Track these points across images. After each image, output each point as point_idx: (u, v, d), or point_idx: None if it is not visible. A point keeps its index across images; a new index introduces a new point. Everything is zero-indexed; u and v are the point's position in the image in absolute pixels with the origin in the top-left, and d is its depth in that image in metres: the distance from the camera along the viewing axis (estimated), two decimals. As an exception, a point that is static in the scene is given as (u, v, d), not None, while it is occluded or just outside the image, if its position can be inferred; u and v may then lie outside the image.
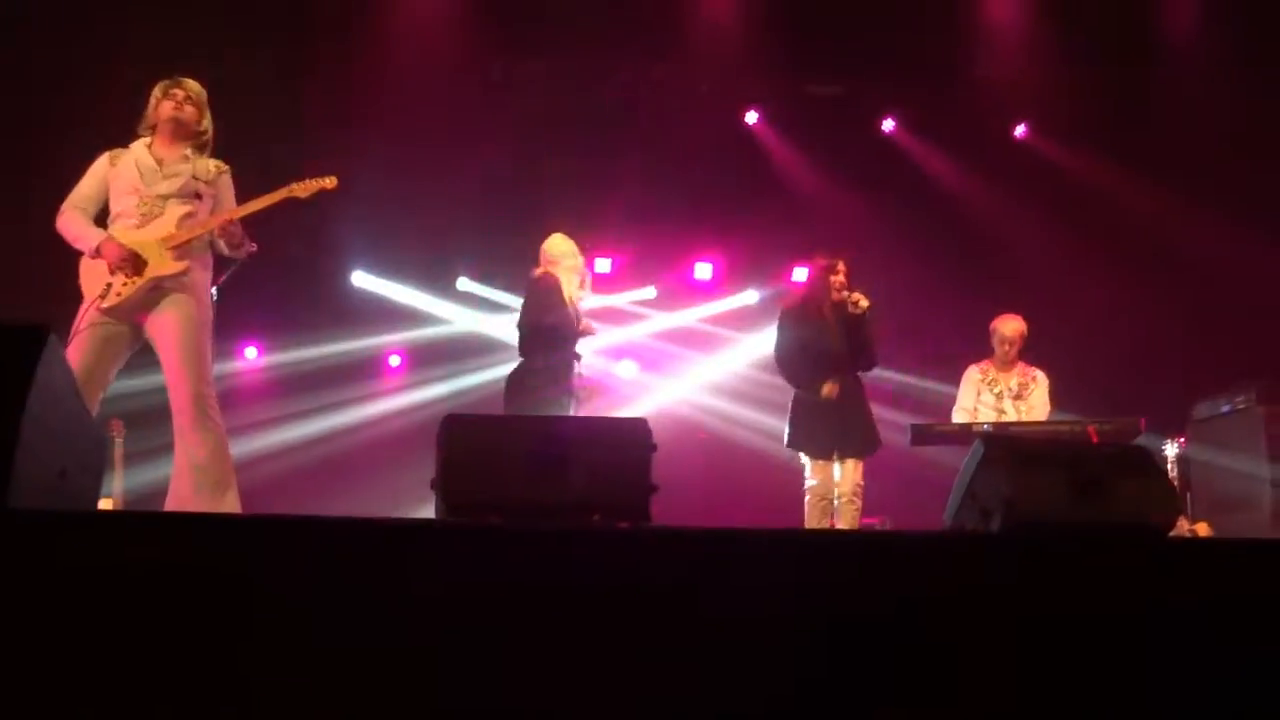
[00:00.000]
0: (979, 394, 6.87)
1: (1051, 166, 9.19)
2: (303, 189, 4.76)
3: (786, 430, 6.33)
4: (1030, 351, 6.94)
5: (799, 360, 6.33)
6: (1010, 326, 6.87)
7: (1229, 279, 8.15)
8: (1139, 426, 6.41)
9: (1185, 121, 8.42)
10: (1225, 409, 7.74)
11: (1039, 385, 6.83)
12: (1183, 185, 8.42)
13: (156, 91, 4.78)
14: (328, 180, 4.82)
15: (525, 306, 6.24)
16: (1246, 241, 7.99)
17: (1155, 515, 3.41)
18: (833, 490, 6.16)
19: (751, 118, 9.73)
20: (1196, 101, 8.32)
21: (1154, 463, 3.71)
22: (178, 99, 4.74)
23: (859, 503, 6.16)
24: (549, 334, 6.06)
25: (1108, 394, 7.58)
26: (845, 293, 6.23)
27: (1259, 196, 7.95)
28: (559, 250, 6.35)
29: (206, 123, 4.84)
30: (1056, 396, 6.92)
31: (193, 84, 4.84)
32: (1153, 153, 8.58)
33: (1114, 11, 8.46)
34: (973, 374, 6.98)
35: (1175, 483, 6.31)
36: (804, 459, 6.29)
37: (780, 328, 6.49)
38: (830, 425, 6.18)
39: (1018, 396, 6.78)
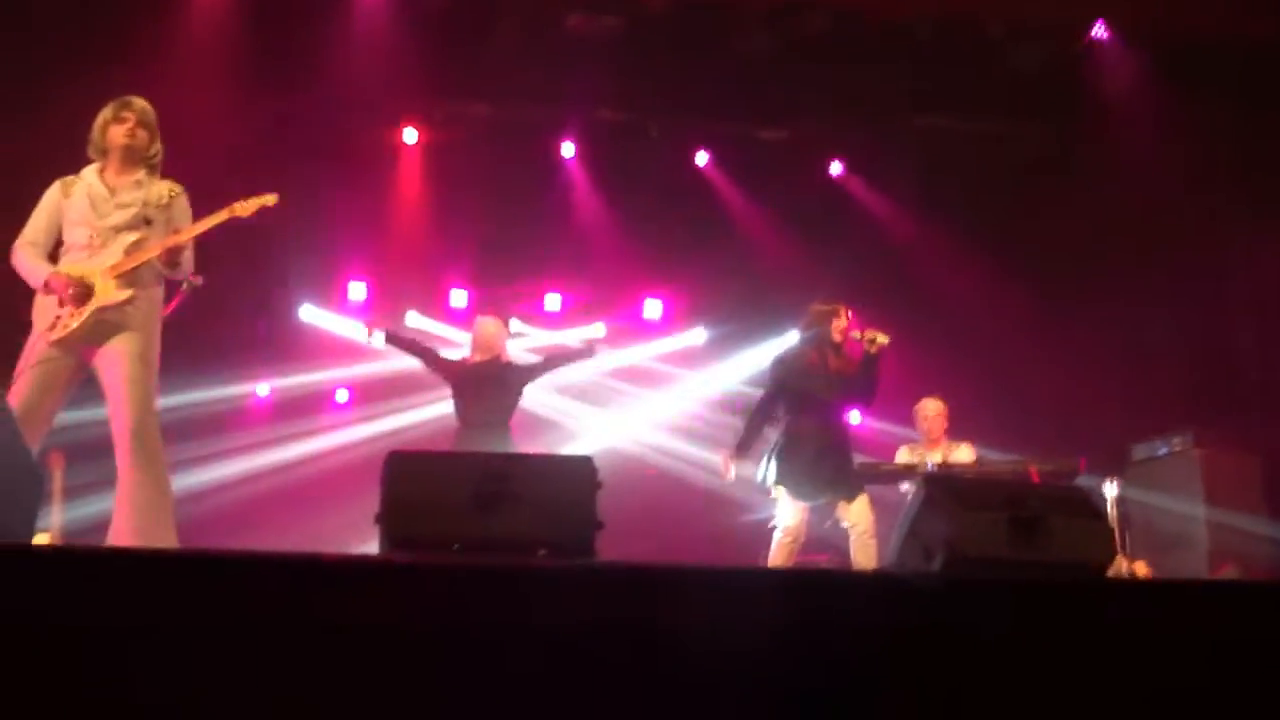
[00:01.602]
0: None
1: (995, 211, 9.31)
2: (244, 208, 4.64)
3: (768, 466, 6.16)
4: (960, 408, 7.07)
5: (784, 404, 6.29)
6: (931, 408, 7.14)
7: (1167, 324, 8.31)
8: (1078, 467, 6.51)
9: (1123, 168, 8.59)
10: (1163, 451, 7.88)
11: (960, 454, 6.99)
12: (1125, 232, 8.59)
13: (106, 114, 4.65)
14: (269, 197, 4.70)
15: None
16: (1182, 287, 8.16)
17: (1094, 554, 3.48)
18: (804, 532, 6.11)
19: (702, 159, 9.85)
20: (1132, 149, 8.49)
21: (1093, 503, 3.77)
22: (129, 124, 4.62)
23: (875, 542, 6.00)
24: None
25: (1048, 436, 7.69)
26: (858, 332, 6.19)
27: (1193, 242, 8.13)
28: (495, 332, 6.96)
29: (157, 145, 4.72)
30: (998, 438, 7.04)
31: (141, 104, 4.70)
32: (1094, 201, 8.75)
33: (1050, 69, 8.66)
34: (903, 453, 7.19)
35: (1114, 523, 6.39)
36: (778, 497, 6.16)
37: (776, 366, 6.38)
38: (819, 469, 6.08)
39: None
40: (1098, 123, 8.78)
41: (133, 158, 4.65)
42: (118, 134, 4.62)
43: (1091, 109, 8.82)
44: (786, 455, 6.10)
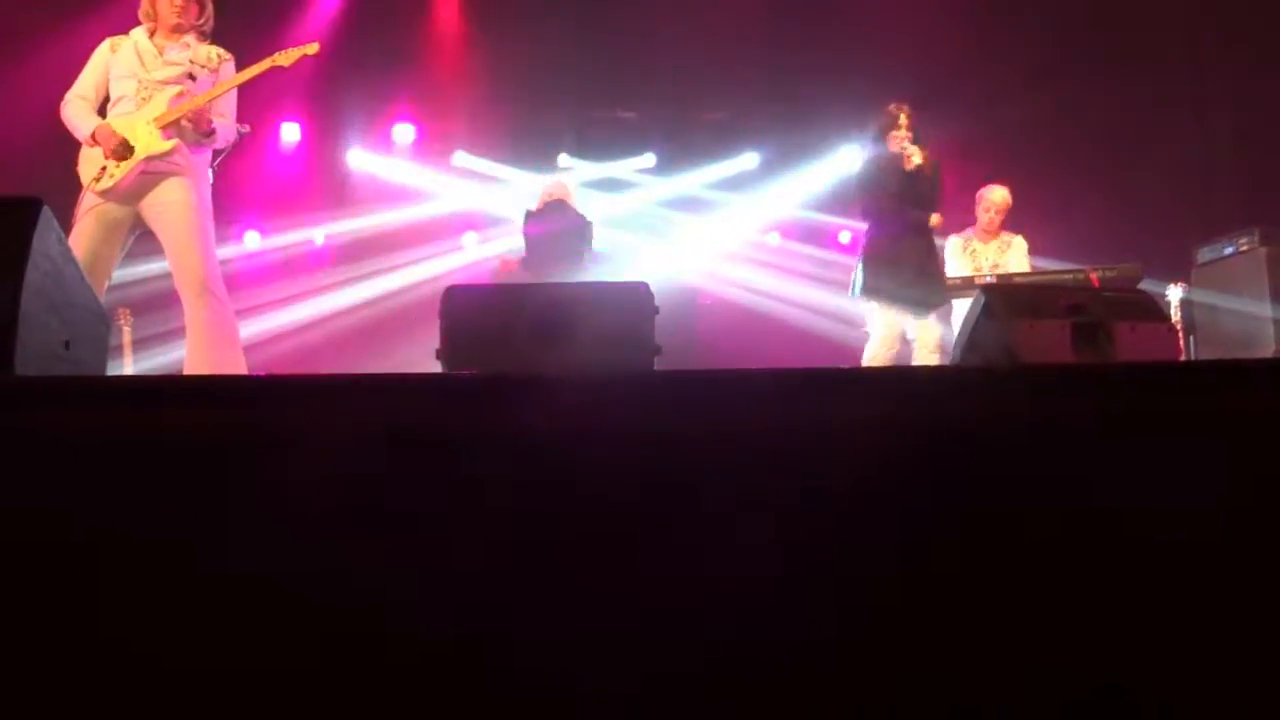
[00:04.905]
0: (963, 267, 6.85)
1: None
2: (285, 58, 4.66)
3: (858, 278, 6.04)
4: (1019, 213, 6.89)
5: (879, 203, 6.10)
6: (998, 194, 6.82)
7: (1231, 123, 8.06)
8: (1141, 272, 6.40)
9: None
10: (1228, 251, 7.70)
11: (1014, 249, 6.78)
12: (1186, 30, 8.29)
13: None
14: (310, 46, 4.71)
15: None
16: (1244, 78, 7.89)
17: (1158, 359, 3.44)
18: (899, 340, 5.99)
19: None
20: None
21: (1156, 306, 3.71)
22: (178, 3, 4.64)
23: (939, 358, 5.93)
24: None
25: (1109, 243, 7.55)
26: (899, 147, 5.97)
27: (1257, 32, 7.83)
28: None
29: (208, 13, 4.75)
30: (1057, 248, 6.90)
31: None
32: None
33: None
34: (955, 244, 6.91)
35: (1179, 326, 6.32)
36: (869, 310, 6.06)
37: (866, 169, 6.20)
38: (905, 278, 5.92)
39: (995, 266, 6.74)
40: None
41: (182, 29, 4.69)
42: (169, 11, 4.64)
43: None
44: (876, 264, 5.97)
